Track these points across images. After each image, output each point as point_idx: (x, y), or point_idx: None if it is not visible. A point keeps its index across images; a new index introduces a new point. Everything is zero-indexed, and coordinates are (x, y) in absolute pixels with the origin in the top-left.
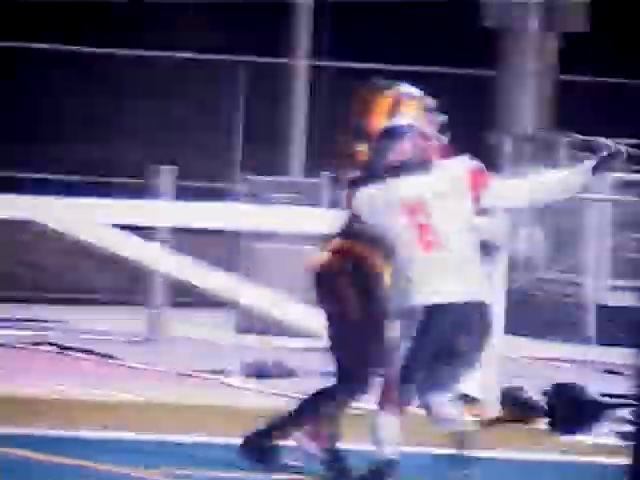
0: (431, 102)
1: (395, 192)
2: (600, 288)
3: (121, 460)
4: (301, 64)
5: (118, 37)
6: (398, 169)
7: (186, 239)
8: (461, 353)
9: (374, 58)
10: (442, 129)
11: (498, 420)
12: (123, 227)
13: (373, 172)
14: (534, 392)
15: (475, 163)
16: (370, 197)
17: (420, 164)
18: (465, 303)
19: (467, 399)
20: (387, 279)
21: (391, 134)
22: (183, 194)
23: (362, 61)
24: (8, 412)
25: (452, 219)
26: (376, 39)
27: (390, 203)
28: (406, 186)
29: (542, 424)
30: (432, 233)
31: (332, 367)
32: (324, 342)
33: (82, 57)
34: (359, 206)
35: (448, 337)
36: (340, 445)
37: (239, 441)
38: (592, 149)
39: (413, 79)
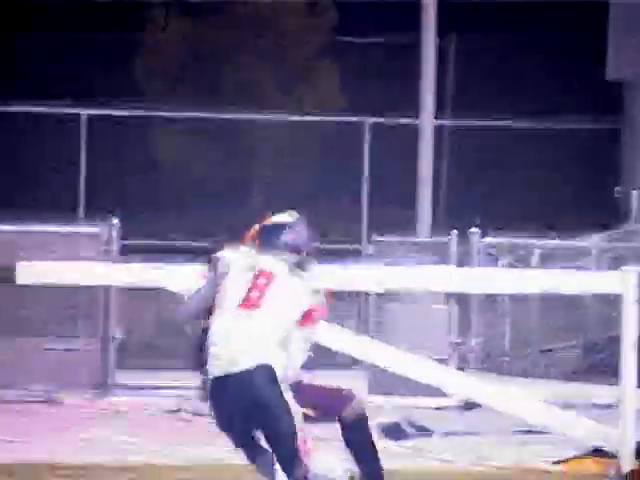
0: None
1: (259, 260)
2: None
3: None
4: (427, 124)
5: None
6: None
7: None
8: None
9: (497, 115)
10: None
11: (633, 473)
12: None
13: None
14: None
15: (318, 303)
16: (237, 258)
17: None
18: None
19: (601, 453)
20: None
21: (280, 225)
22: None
23: (485, 119)
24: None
25: (281, 305)
26: (499, 98)
27: (250, 265)
28: (270, 260)
29: None
30: (259, 298)
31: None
32: (456, 400)
33: (205, 122)
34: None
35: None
36: None
37: None
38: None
39: (534, 135)
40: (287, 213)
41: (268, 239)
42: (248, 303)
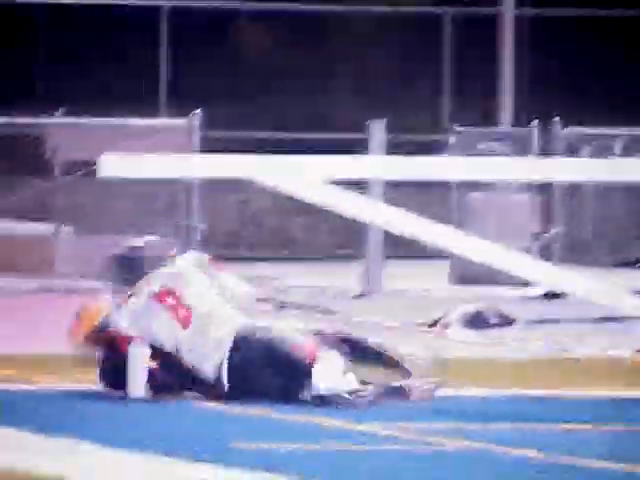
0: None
1: (147, 289)
2: None
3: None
4: (508, 12)
5: None
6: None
7: (399, 192)
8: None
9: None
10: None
11: None
12: (336, 183)
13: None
14: None
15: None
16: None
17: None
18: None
19: None
20: None
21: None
22: (394, 147)
23: (568, 7)
24: None
25: (202, 295)
26: None
27: (147, 302)
28: (155, 278)
29: None
30: (185, 310)
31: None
32: (540, 290)
33: (286, 14)
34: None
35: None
36: None
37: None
38: None
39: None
40: (131, 242)
41: (130, 272)
42: (181, 325)
